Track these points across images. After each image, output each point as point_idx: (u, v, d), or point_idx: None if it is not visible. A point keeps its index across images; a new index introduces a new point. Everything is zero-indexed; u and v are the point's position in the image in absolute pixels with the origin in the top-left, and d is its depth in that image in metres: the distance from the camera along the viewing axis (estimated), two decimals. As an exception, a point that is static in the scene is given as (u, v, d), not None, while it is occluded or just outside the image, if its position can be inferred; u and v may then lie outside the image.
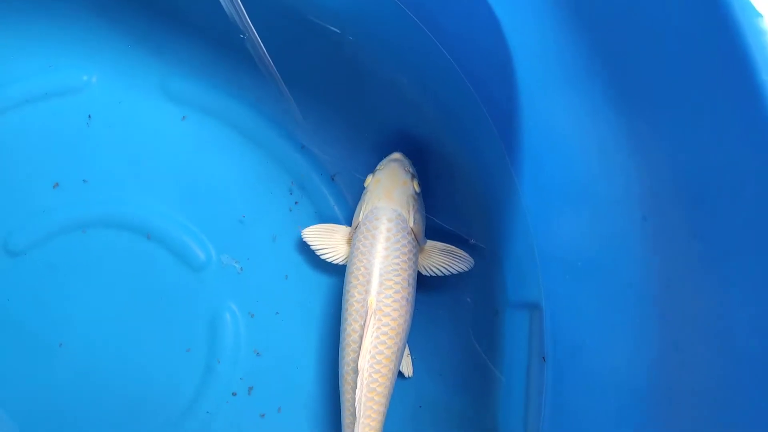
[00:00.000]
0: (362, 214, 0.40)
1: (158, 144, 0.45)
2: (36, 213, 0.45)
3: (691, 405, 0.27)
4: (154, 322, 0.44)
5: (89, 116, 0.45)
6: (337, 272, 0.44)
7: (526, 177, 0.41)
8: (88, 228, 0.44)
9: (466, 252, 0.41)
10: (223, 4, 0.45)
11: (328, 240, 0.42)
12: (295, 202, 0.45)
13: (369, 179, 0.41)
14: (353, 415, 0.37)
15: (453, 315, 0.44)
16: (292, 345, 0.44)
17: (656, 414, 0.29)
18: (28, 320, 0.44)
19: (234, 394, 0.43)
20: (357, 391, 0.36)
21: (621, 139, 0.28)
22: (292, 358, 0.44)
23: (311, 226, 0.43)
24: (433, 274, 0.41)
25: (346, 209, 0.45)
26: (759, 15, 0.20)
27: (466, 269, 0.41)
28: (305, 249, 0.43)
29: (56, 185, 0.45)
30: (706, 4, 0.21)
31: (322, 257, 0.42)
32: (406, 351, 0.41)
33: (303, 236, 0.43)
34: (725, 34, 0.21)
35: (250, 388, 0.43)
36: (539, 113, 0.37)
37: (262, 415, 0.43)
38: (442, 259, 0.41)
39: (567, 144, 0.34)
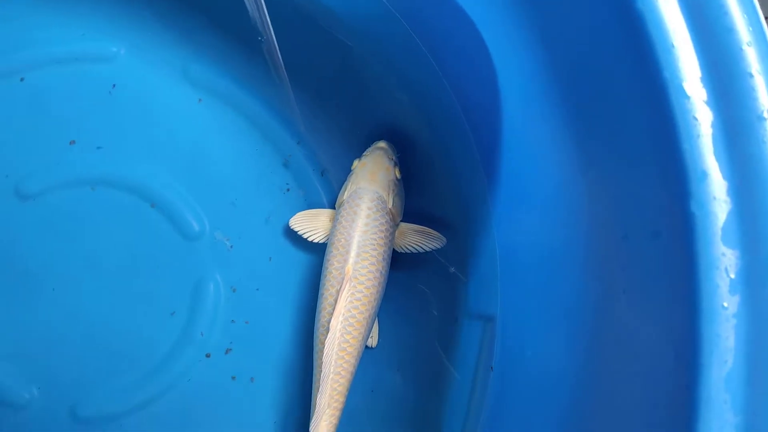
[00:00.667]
0: (346, 193, 0.45)
1: (172, 121, 0.49)
2: (50, 164, 0.48)
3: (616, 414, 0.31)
4: (142, 281, 0.48)
5: (113, 85, 0.49)
6: (319, 256, 0.48)
7: (500, 201, 0.46)
8: (97, 185, 0.48)
9: (439, 232, 0.47)
10: (248, 7, 0.49)
11: (314, 223, 0.47)
12: (287, 190, 0.49)
13: (356, 163, 0.47)
14: (323, 381, 0.41)
15: (420, 317, 0.49)
16: (269, 318, 0.48)
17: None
18: (28, 262, 0.47)
19: (208, 356, 0.47)
20: (327, 348, 0.41)
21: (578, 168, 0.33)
22: (267, 328, 0.48)
23: (297, 214, 0.47)
24: (408, 251, 0.46)
25: (333, 200, 0.50)
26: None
27: (438, 247, 0.47)
28: (291, 234, 0.48)
29: (72, 142, 0.48)
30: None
31: (309, 239, 0.46)
32: (375, 324, 0.45)
33: (291, 225, 0.47)
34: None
35: (228, 350, 0.47)
36: (519, 138, 0.42)
37: (234, 378, 0.47)
38: (417, 238, 0.46)
39: (536, 169, 0.39)
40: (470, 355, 0.47)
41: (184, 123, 0.49)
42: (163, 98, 0.50)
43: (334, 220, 0.45)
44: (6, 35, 0.49)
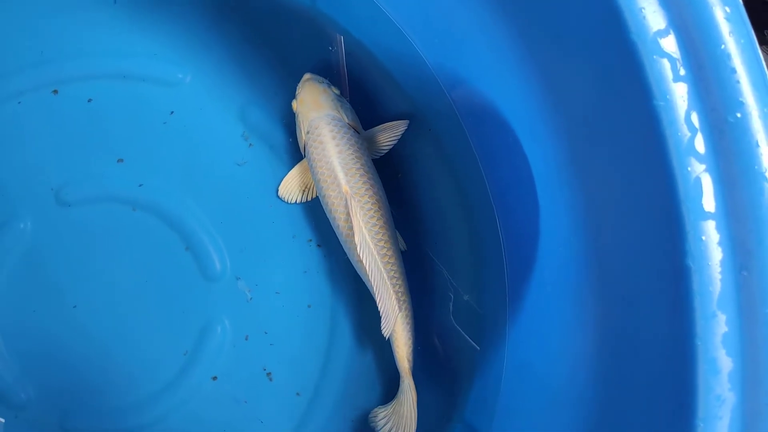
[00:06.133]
0: (303, 132, 0.46)
1: (221, 159, 0.50)
2: (93, 176, 0.49)
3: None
4: (155, 310, 0.48)
5: (171, 112, 0.50)
6: (341, 318, 0.48)
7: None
8: (138, 208, 0.49)
9: (399, 119, 0.48)
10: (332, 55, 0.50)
11: (300, 181, 0.48)
12: (318, 245, 0.50)
13: (294, 104, 0.47)
14: (381, 287, 0.42)
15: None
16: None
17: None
18: (55, 265, 0.48)
19: (215, 378, 0.48)
20: (367, 261, 0.42)
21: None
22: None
23: (281, 186, 0.49)
24: (384, 151, 0.48)
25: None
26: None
27: (404, 129, 0.48)
28: (317, 288, 0.49)
29: (120, 161, 0.49)
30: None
31: (309, 198, 0.48)
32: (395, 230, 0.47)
33: (283, 197, 0.48)
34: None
35: (214, 378, 0.48)
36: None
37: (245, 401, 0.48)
38: (384, 136, 0.48)
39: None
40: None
41: (230, 165, 0.50)
42: (216, 134, 0.50)
43: (307, 159, 0.46)
44: (82, 39, 0.50)
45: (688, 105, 0.25)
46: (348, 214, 0.43)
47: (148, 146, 0.50)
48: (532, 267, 0.40)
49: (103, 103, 0.50)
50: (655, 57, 0.25)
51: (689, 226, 0.25)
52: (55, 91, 0.49)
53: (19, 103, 0.49)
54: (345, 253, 0.48)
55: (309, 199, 0.48)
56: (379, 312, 0.43)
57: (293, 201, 0.48)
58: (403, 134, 0.49)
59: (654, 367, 0.27)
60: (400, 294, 0.43)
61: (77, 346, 0.48)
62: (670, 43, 0.25)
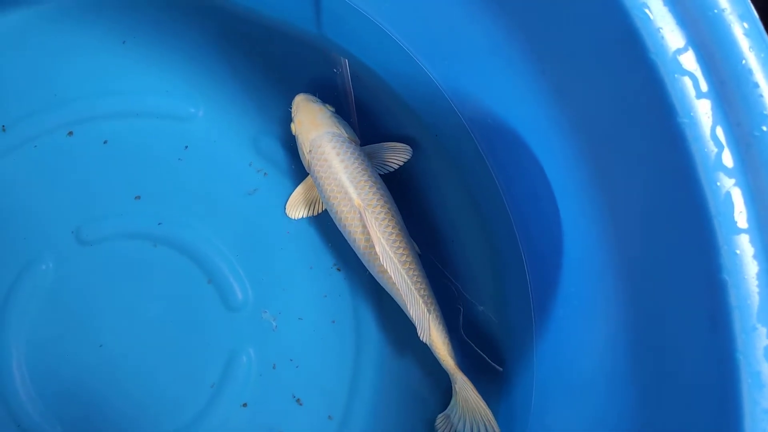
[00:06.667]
0: (306, 152, 0.46)
1: (237, 191, 0.50)
2: (112, 214, 0.49)
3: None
4: (180, 344, 0.49)
5: (186, 147, 0.50)
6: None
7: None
8: (159, 243, 0.49)
9: (405, 147, 0.49)
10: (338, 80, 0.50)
11: (305, 197, 0.49)
12: (338, 269, 0.50)
13: (293, 127, 0.48)
14: (408, 294, 0.43)
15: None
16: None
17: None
18: (81, 312, 0.48)
19: (244, 405, 0.48)
20: (390, 270, 0.43)
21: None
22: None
23: (287, 205, 0.49)
24: (385, 170, 0.48)
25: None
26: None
27: (408, 157, 0.49)
28: (342, 311, 0.49)
29: (138, 197, 0.50)
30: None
31: (315, 214, 0.49)
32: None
33: (291, 216, 0.49)
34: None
35: (244, 405, 0.48)
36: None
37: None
38: (386, 155, 0.48)
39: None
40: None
41: (246, 194, 0.50)
42: (231, 165, 0.51)
43: (314, 179, 0.46)
44: (94, 80, 0.50)
45: (713, 120, 0.25)
46: (363, 226, 0.44)
47: (164, 181, 0.50)
48: (556, 281, 0.40)
49: (117, 141, 0.50)
50: (676, 75, 0.25)
51: (722, 240, 0.25)
52: (70, 133, 0.50)
53: (35, 146, 0.49)
54: (363, 273, 0.48)
55: (316, 213, 0.49)
56: (410, 320, 0.44)
57: (300, 216, 0.49)
58: (412, 155, 0.49)
59: (695, 382, 0.27)
60: (426, 297, 0.44)
61: (105, 384, 0.48)
62: (690, 61, 0.26)
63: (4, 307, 0.48)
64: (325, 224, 0.50)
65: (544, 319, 0.43)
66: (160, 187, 0.50)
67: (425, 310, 0.43)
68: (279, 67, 0.52)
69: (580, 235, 0.37)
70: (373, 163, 0.48)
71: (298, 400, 0.48)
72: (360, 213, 0.44)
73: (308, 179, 0.49)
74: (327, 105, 0.48)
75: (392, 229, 0.44)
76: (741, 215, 0.24)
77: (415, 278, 0.44)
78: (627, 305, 0.32)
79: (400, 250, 0.44)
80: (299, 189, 0.49)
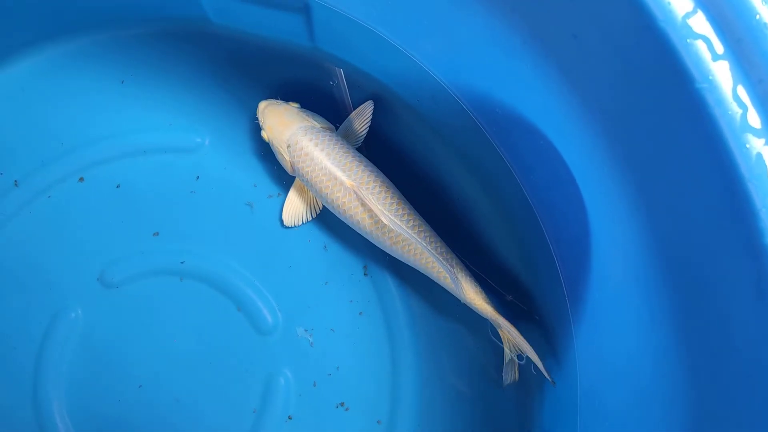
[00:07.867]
0: (284, 154, 0.46)
1: (253, 214, 0.50)
2: (133, 253, 0.50)
3: None
4: (216, 373, 0.49)
5: (197, 177, 0.50)
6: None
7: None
8: (184, 277, 0.49)
9: (366, 103, 0.48)
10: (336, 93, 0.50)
11: (300, 201, 0.49)
12: (365, 273, 0.50)
13: (264, 134, 0.48)
14: (428, 255, 0.44)
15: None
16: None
17: None
18: (116, 354, 0.49)
19: (290, 418, 0.48)
20: (402, 234, 0.43)
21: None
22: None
23: (283, 214, 0.49)
24: (361, 138, 0.49)
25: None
26: None
27: (371, 108, 0.48)
28: (370, 327, 0.48)
29: (156, 234, 0.50)
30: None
31: (314, 216, 0.49)
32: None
33: (288, 224, 0.49)
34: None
35: (289, 418, 0.48)
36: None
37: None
38: (357, 124, 0.48)
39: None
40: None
41: (261, 217, 0.50)
42: (243, 188, 0.50)
43: (302, 177, 0.46)
44: (97, 123, 0.50)
45: (733, 81, 0.24)
46: (363, 205, 0.44)
47: (180, 214, 0.50)
48: (588, 266, 0.39)
49: (129, 181, 0.50)
50: (688, 40, 0.25)
51: (760, 204, 0.24)
52: (81, 179, 0.50)
53: (49, 197, 0.50)
54: (386, 271, 0.49)
55: (316, 214, 0.49)
56: (442, 286, 0.45)
57: (300, 222, 0.49)
58: (427, 158, 0.48)
59: (746, 355, 0.26)
60: (444, 254, 0.44)
61: (147, 423, 0.48)
62: (701, 24, 0.25)
63: (38, 360, 0.48)
64: (332, 229, 0.50)
65: (580, 304, 0.42)
66: (177, 220, 0.50)
67: (447, 266, 0.43)
68: (276, 85, 0.51)
69: (607, 217, 0.36)
70: (351, 139, 0.48)
71: (346, 409, 0.48)
72: (355, 193, 0.43)
73: (296, 183, 0.48)
74: (291, 102, 0.48)
75: (391, 198, 0.44)
76: (776, 176, 0.23)
77: (429, 239, 0.44)
78: (666, 282, 0.31)
79: (406, 216, 0.44)
80: (290, 195, 0.49)
